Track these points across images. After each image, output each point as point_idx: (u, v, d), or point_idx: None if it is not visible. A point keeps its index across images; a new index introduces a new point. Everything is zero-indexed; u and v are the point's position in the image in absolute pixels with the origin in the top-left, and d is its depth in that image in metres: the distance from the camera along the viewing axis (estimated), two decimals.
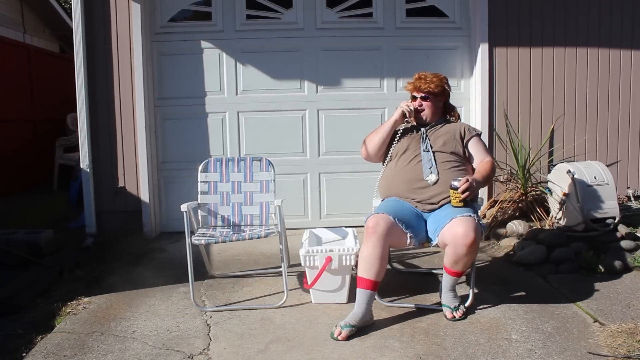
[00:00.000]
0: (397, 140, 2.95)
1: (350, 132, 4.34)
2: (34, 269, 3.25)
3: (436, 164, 2.78)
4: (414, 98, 2.94)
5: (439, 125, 2.93)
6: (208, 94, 4.39)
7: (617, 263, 3.19)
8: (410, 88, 2.95)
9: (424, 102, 2.90)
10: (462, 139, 2.87)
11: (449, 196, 2.65)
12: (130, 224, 4.26)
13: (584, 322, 2.56)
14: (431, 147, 2.83)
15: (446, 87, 2.94)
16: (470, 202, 2.64)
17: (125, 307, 2.86)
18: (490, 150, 2.98)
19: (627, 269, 3.20)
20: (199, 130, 4.40)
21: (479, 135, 2.93)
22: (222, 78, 4.38)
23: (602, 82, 4.41)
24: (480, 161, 2.85)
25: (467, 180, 2.56)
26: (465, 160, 2.88)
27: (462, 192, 2.55)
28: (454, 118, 3.02)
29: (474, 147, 2.88)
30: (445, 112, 3.01)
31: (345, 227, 3.30)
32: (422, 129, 2.92)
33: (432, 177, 2.76)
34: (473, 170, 2.89)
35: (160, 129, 4.40)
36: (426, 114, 2.91)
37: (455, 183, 2.57)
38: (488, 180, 2.83)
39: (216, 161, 3.26)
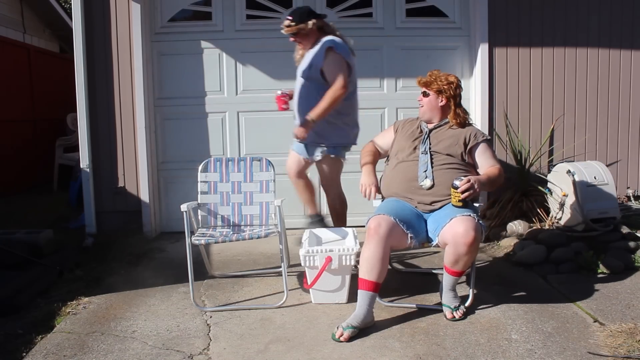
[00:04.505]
0: (396, 139, 2.96)
1: None
2: (34, 269, 3.26)
3: (432, 168, 2.75)
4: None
5: (444, 128, 2.89)
6: (208, 94, 4.39)
7: (617, 263, 3.19)
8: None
9: (423, 98, 2.91)
10: (465, 144, 2.80)
11: (448, 199, 2.66)
12: (130, 224, 4.26)
13: (584, 322, 2.56)
14: (430, 149, 2.81)
15: (445, 88, 2.84)
16: (470, 202, 2.63)
17: (125, 307, 2.86)
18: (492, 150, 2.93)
19: (627, 269, 3.20)
20: (199, 130, 4.40)
21: (486, 141, 2.85)
22: (222, 78, 4.38)
23: (602, 81, 4.41)
24: (488, 167, 2.79)
25: (469, 181, 2.55)
26: (466, 164, 2.81)
27: (463, 192, 2.55)
28: (454, 121, 2.86)
29: (481, 155, 2.82)
30: (447, 114, 2.90)
31: (345, 227, 3.30)
32: (426, 129, 2.90)
33: (427, 182, 2.74)
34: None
35: (160, 129, 4.40)
36: (421, 110, 2.93)
37: (457, 182, 2.56)
38: (494, 184, 2.74)
39: (216, 161, 3.26)
